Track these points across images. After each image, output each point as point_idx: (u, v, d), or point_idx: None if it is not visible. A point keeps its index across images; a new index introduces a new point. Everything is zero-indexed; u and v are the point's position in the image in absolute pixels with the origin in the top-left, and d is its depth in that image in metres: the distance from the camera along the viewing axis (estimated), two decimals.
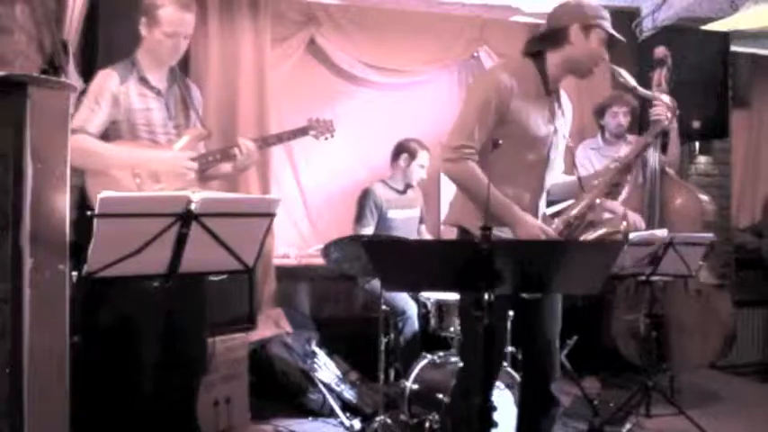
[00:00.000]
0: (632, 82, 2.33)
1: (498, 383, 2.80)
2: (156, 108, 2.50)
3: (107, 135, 2.45)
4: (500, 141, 2.12)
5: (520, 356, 3.19)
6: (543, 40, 2.28)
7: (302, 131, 2.79)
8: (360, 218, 3.88)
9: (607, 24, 2.24)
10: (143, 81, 2.49)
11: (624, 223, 2.37)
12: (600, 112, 4.10)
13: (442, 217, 4.57)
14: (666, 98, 2.52)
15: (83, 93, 2.72)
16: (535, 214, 2.29)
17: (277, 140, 2.76)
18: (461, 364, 2.47)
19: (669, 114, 2.59)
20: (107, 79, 2.44)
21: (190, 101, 2.61)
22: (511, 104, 2.18)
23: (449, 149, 2.22)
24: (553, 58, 2.26)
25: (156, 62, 2.51)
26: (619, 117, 4.01)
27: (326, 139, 2.87)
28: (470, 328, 2.34)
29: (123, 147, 2.42)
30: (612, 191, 2.33)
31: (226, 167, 2.66)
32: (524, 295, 2.15)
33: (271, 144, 2.76)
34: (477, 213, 2.21)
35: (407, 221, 3.97)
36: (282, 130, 2.86)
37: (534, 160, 2.27)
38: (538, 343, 2.34)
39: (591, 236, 2.29)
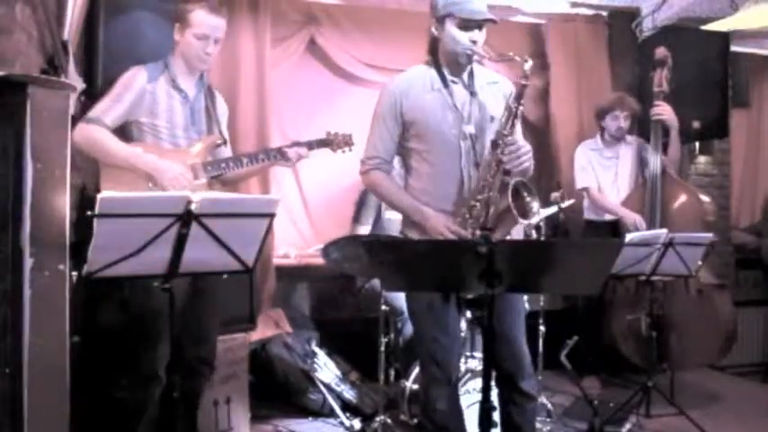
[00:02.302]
0: (481, 53, 2.32)
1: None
2: (181, 111, 2.55)
3: (130, 133, 2.49)
4: (498, 140, 2.14)
5: None
6: (430, 41, 2.40)
7: (320, 144, 2.84)
8: (357, 217, 3.89)
9: (458, 9, 2.26)
10: (172, 83, 2.54)
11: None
12: (601, 114, 4.11)
13: None
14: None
15: (84, 92, 2.73)
16: (462, 203, 2.28)
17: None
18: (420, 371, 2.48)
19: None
20: (136, 75, 2.50)
21: (213, 110, 2.65)
22: (404, 107, 2.33)
23: (360, 164, 2.44)
24: (441, 54, 2.37)
25: (188, 67, 2.57)
26: (619, 120, 4.01)
27: (344, 152, 2.91)
28: (421, 330, 2.37)
29: (131, 148, 2.43)
30: (500, 166, 2.23)
31: (241, 172, 2.68)
32: (469, 295, 2.16)
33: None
34: (406, 219, 2.40)
35: None
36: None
37: (449, 150, 2.31)
38: (500, 344, 2.31)
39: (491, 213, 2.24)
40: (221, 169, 2.60)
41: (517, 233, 2.39)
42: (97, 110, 2.42)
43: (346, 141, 2.91)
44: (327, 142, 2.86)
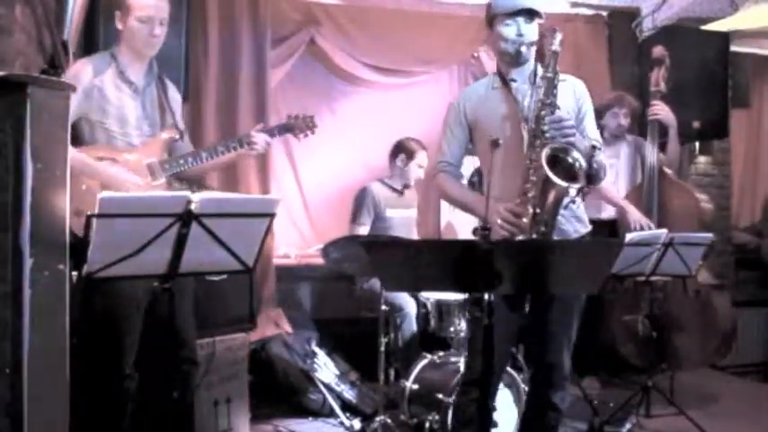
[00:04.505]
0: (528, 42, 2.33)
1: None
2: (132, 105, 2.47)
3: (82, 133, 2.40)
4: (500, 141, 2.14)
5: (520, 357, 3.22)
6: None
7: (282, 129, 2.73)
8: (356, 217, 3.88)
9: (500, 8, 2.33)
10: (121, 75, 2.45)
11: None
12: (600, 112, 4.10)
13: (442, 217, 4.60)
14: None
15: None
16: (523, 193, 2.23)
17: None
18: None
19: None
20: (81, 70, 2.40)
21: (166, 100, 2.57)
22: (467, 110, 2.45)
23: (431, 169, 2.48)
24: (498, 58, 2.46)
25: (135, 54, 2.47)
26: (619, 118, 4.01)
27: (306, 136, 2.79)
28: (470, 326, 2.37)
29: (80, 155, 2.34)
30: (543, 138, 2.19)
31: (203, 167, 2.59)
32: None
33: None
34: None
35: (405, 221, 3.98)
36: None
37: (512, 141, 2.30)
38: (545, 353, 2.35)
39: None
40: (180, 166, 2.50)
41: (574, 227, 2.35)
42: None
43: (308, 125, 2.77)
44: (289, 127, 2.75)
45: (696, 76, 4.18)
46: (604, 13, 4.83)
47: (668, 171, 3.88)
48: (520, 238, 2.11)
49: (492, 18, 2.36)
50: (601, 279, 1.87)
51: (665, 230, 3.17)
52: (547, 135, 2.15)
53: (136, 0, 2.40)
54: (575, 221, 2.36)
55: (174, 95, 2.67)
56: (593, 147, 2.23)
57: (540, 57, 2.34)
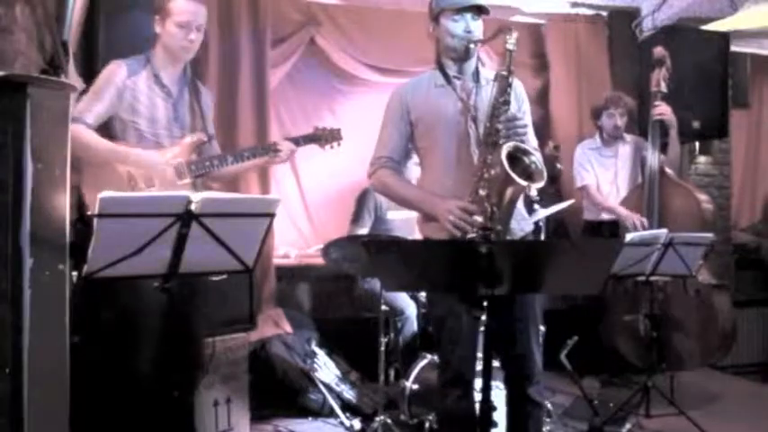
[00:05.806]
0: (476, 39, 2.31)
1: (498, 383, 2.80)
2: (163, 107, 2.52)
3: (113, 130, 2.47)
4: (500, 142, 2.13)
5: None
6: (435, 46, 2.43)
7: (308, 139, 2.81)
8: (356, 218, 3.88)
9: (448, 2, 2.30)
10: (155, 78, 2.51)
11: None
12: (596, 113, 4.11)
13: None
14: None
15: (83, 92, 2.73)
16: (475, 191, 2.21)
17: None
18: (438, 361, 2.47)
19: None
20: (115, 71, 2.47)
21: (198, 105, 2.62)
22: (410, 105, 2.37)
23: (369, 167, 2.45)
24: (442, 54, 2.39)
25: (171, 58, 2.53)
26: (615, 119, 4.02)
27: (332, 147, 2.87)
28: (439, 324, 2.36)
29: (116, 144, 2.43)
30: (498, 137, 2.17)
31: (227, 171, 2.66)
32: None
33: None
34: (422, 217, 2.37)
35: (406, 223, 3.97)
36: (288, 135, 2.90)
37: (458, 138, 2.30)
38: (513, 348, 2.32)
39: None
40: (206, 168, 2.56)
41: (519, 226, 2.34)
42: (78, 108, 2.41)
43: (334, 136, 2.86)
44: (316, 138, 2.82)
45: (696, 76, 4.18)
46: (604, 14, 4.83)
47: (669, 171, 3.88)
48: (471, 236, 2.10)
49: (438, 12, 2.33)
50: (602, 279, 1.87)
51: (665, 230, 3.17)
52: (501, 134, 2.14)
53: (175, 5, 2.46)
54: (520, 219, 2.36)
55: (207, 100, 2.73)
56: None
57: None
